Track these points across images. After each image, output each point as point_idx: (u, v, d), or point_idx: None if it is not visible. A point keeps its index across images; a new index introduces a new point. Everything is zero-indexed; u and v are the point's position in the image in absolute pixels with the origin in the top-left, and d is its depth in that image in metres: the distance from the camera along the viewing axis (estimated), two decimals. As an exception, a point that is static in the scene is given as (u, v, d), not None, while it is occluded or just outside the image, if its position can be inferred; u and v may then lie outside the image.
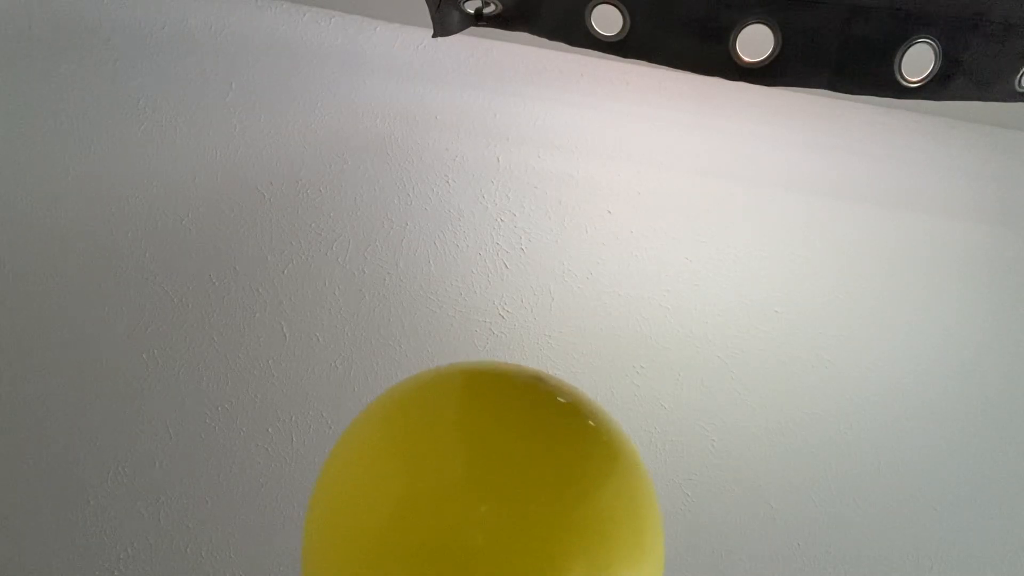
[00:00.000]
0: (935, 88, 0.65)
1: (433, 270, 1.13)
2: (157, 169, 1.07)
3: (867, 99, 1.20)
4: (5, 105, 1.03)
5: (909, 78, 0.65)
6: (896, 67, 0.64)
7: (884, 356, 1.23)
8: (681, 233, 1.19)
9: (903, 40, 0.63)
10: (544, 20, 0.69)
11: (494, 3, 0.69)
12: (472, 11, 0.71)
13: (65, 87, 1.05)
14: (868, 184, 1.24)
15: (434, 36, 0.71)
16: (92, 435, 1.04)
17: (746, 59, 0.65)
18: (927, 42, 0.63)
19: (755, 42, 0.64)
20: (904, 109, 1.24)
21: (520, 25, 0.70)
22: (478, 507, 0.50)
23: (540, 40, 0.72)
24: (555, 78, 1.17)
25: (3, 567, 1.01)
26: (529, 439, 0.54)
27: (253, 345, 1.08)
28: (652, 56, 0.67)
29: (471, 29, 0.73)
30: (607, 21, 0.66)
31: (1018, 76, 0.65)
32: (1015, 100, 0.67)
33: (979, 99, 0.66)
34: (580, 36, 0.68)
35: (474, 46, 1.15)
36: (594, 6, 0.65)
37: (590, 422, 0.58)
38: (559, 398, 0.59)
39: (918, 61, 0.64)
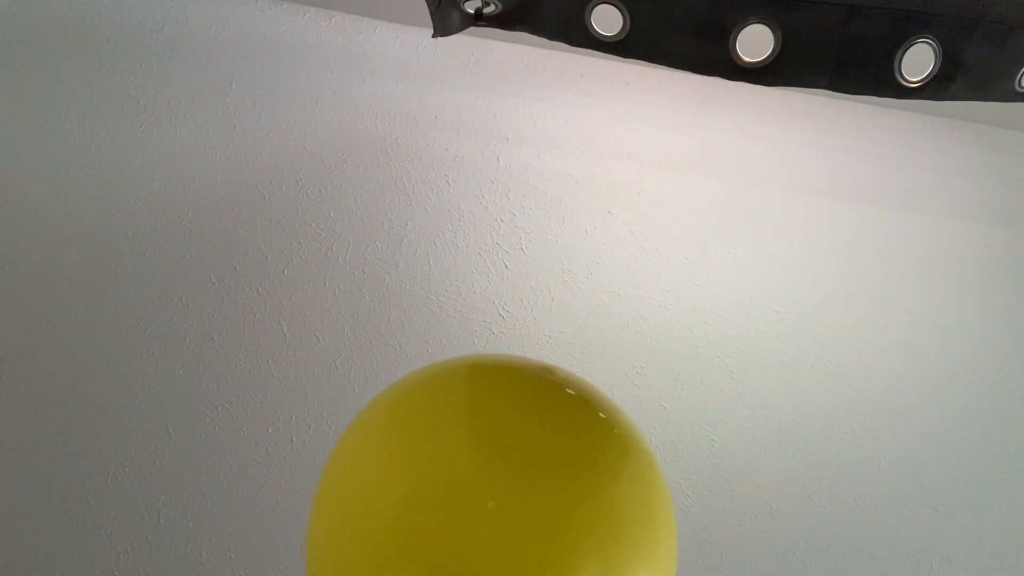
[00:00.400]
0: (935, 88, 0.65)
1: (433, 270, 1.13)
2: (157, 169, 1.07)
3: (867, 99, 1.20)
4: (5, 105, 1.03)
5: (909, 78, 0.65)
6: (896, 67, 0.64)
7: (884, 356, 1.23)
8: (681, 233, 1.19)
9: (903, 40, 0.63)
10: (544, 20, 0.69)
11: (494, 3, 0.69)
12: (472, 11, 0.71)
13: (65, 87, 1.05)
14: (868, 184, 1.24)
15: (434, 36, 0.71)
16: (92, 435, 1.04)
17: (746, 59, 0.65)
18: (927, 42, 0.63)
19: (755, 42, 0.64)
20: (904, 109, 1.24)
21: (520, 25, 0.70)
22: (485, 503, 0.49)
23: (540, 40, 0.71)
24: (555, 78, 1.17)
25: (3, 567, 1.01)
26: (537, 433, 0.53)
27: (253, 345, 1.08)
28: (652, 56, 0.67)
29: (471, 29, 0.73)
30: (607, 21, 0.66)
31: (1018, 76, 0.65)
32: (1015, 100, 0.67)
33: (979, 99, 0.67)
34: (580, 36, 0.68)
35: (474, 46, 1.15)
36: (594, 6, 0.65)
37: (600, 414, 0.56)
38: (568, 390, 0.58)
39: (918, 61, 0.64)
